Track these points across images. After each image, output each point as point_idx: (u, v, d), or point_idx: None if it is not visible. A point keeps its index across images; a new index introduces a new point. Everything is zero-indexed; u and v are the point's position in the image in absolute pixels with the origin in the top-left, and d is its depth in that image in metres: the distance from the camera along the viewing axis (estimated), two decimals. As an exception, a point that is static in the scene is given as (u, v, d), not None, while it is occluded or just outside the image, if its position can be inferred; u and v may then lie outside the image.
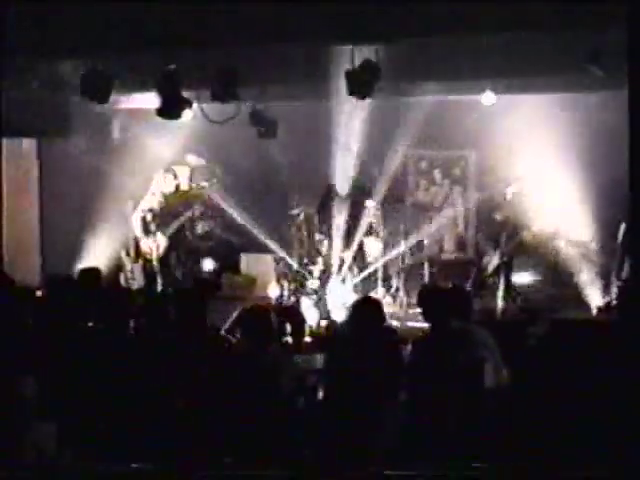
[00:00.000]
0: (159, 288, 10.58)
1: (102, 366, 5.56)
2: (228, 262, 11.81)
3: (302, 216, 11.39)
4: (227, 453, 5.19)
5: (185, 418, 5.26)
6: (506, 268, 9.79)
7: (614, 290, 9.40)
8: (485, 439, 4.58)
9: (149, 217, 10.87)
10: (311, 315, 9.28)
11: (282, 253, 11.36)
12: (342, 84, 8.30)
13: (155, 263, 10.91)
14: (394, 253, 10.69)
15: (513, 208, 9.65)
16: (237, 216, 11.43)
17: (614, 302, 9.33)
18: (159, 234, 10.86)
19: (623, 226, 9.18)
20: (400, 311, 10.44)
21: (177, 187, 11.10)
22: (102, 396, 5.39)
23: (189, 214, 11.09)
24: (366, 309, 5.83)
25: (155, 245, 10.88)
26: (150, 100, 9.22)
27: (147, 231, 10.87)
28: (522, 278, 9.99)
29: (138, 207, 10.88)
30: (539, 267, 10.26)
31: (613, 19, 6.73)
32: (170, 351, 5.53)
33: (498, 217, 9.69)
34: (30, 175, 11.48)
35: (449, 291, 5.75)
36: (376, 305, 6.03)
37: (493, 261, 9.74)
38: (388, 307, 9.79)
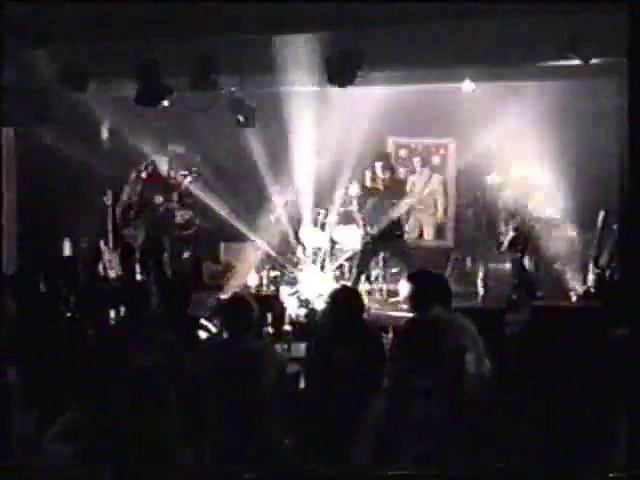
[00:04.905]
0: (138, 278, 10.52)
1: (82, 356, 5.54)
2: (207, 251, 11.80)
3: (283, 204, 11.37)
4: (210, 443, 5.20)
5: (169, 409, 5.24)
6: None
7: (591, 277, 9.44)
8: (469, 428, 4.59)
9: (128, 206, 10.80)
10: (291, 303, 9.27)
11: (261, 242, 11.34)
12: (323, 72, 8.28)
13: (134, 252, 10.85)
14: (372, 241, 10.63)
15: (494, 195, 9.67)
16: (216, 205, 11.40)
17: (592, 289, 9.38)
18: (138, 223, 10.79)
19: (602, 213, 9.23)
20: (379, 299, 10.45)
21: (157, 176, 11.01)
22: (84, 386, 5.36)
23: (168, 203, 11.01)
24: (345, 297, 5.81)
25: (134, 234, 10.81)
26: (129, 88, 9.16)
27: (126, 220, 10.80)
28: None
29: (119, 196, 10.80)
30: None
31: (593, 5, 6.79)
32: (151, 341, 5.49)
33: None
34: (8, 164, 11.36)
35: (436, 277, 5.70)
36: (355, 293, 6.04)
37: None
38: (367, 295, 9.81)
